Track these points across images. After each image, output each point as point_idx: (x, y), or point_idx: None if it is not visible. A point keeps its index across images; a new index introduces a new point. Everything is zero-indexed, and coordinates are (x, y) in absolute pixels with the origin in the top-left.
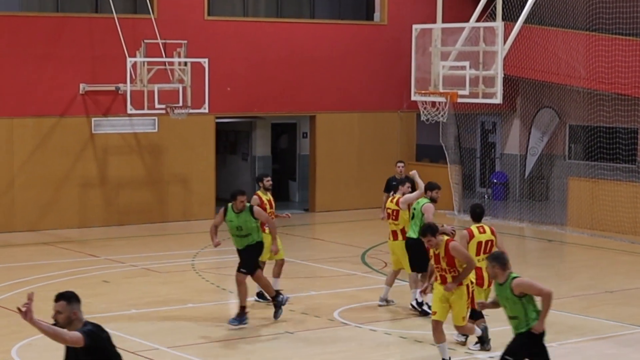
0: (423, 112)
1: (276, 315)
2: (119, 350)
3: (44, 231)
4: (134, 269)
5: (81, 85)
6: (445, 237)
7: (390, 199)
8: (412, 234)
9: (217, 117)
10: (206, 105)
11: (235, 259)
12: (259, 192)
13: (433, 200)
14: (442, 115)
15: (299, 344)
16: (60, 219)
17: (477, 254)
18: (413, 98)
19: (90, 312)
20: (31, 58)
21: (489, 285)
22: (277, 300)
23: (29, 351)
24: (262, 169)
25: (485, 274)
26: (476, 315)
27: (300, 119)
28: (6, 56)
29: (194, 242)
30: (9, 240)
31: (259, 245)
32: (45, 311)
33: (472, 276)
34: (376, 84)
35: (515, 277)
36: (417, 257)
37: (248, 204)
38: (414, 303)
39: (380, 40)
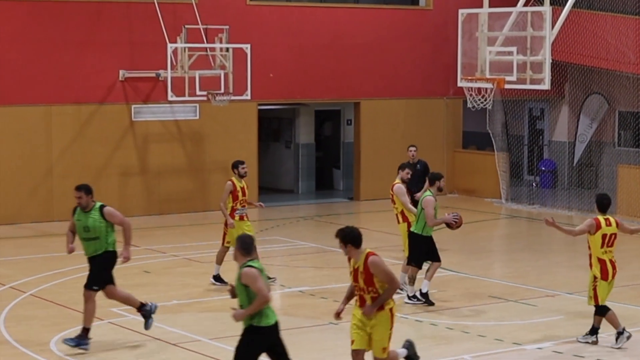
0: (469, 98)
1: (147, 325)
2: (161, 342)
3: None
4: (175, 259)
5: (121, 72)
6: (367, 250)
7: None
8: (414, 227)
9: (260, 104)
10: (248, 91)
11: (278, 249)
12: (233, 179)
13: (440, 190)
14: (488, 102)
15: (343, 334)
16: None
17: (602, 246)
18: (459, 84)
19: None
20: (70, 44)
21: (613, 277)
22: (144, 310)
23: None
24: (306, 156)
25: (609, 267)
26: (603, 311)
27: (344, 105)
28: (44, 42)
29: None
30: (47, 230)
31: (110, 256)
32: (82, 302)
33: (596, 271)
34: (422, 70)
35: (248, 266)
36: (416, 251)
37: (99, 203)
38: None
39: (425, 26)
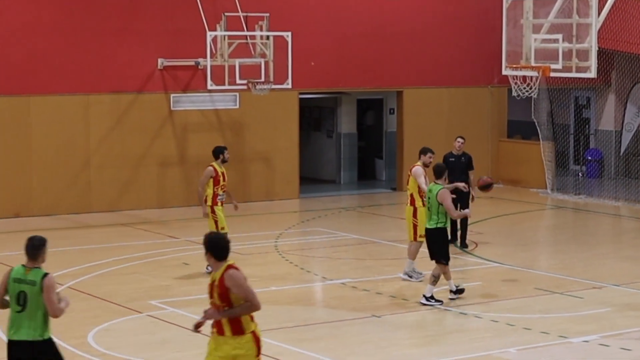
0: (514, 87)
1: None
2: (200, 335)
3: (122, 212)
4: None
5: (159, 60)
6: (229, 262)
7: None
8: (430, 224)
9: (301, 93)
10: (289, 80)
11: (319, 241)
12: (214, 164)
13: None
14: (534, 90)
15: (386, 327)
16: (138, 199)
17: None
18: (504, 72)
19: (169, 295)
20: (107, 32)
21: None
22: None
23: (105, 336)
24: (348, 146)
25: None
26: None
27: (387, 94)
28: (82, 30)
29: (277, 223)
30: (85, 222)
31: None
32: (122, 294)
33: None
34: (466, 58)
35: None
36: (438, 247)
37: None
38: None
39: (470, 13)
